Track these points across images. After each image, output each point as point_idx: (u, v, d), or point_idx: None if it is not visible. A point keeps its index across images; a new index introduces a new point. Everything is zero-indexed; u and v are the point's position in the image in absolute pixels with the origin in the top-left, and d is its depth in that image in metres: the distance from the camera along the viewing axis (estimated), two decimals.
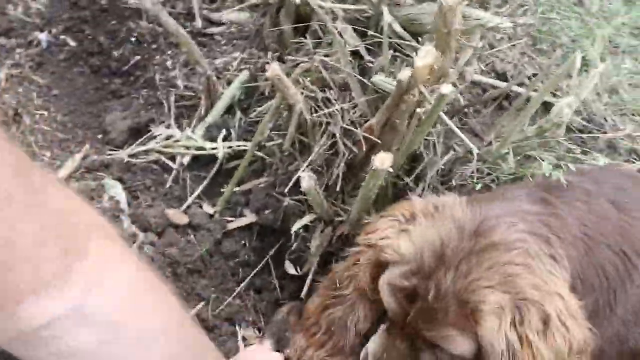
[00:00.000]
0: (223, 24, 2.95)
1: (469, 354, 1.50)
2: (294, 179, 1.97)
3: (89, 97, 2.82)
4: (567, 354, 1.48)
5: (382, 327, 1.70)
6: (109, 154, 2.51)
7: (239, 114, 2.50)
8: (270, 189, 2.28)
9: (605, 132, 2.35)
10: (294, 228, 2.06)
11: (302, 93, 2.01)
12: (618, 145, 2.35)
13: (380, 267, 1.64)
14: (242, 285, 2.29)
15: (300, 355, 1.88)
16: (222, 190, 2.41)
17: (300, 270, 2.20)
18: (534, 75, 2.44)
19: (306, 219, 2.07)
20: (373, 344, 1.70)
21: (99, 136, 2.66)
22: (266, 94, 2.39)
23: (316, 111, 2.01)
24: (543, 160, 1.83)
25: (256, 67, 2.57)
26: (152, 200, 2.39)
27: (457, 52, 1.90)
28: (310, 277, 2.16)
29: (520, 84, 2.41)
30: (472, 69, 2.01)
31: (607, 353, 1.75)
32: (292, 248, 2.20)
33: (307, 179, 1.85)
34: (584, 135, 2.31)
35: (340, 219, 2.11)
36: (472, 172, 1.92)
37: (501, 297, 1.45)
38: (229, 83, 2.58)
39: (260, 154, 2.33)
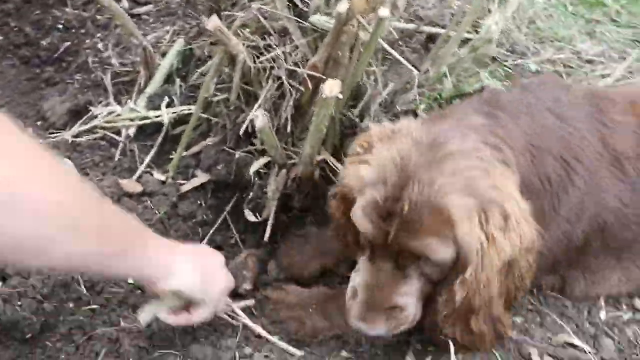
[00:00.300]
0: (149, 2, 2.99)
1: (450, 258, 1.60)
2: (247, 122, 2.03)
3: (23, 87, 2.82)
4: (518, 251, 1.61)
5: (361, 259, 1.76)
6: (54, 137, 2.51)
7: (178, 81, 2.55)
8: (220, 145, 2.33)
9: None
10: (251, 170, 2.13)
11: (243, 44, 2.08)
12: (542, 70, 2.50)
13: (349, 202, 1.72)
14: (202, 243, 2.32)
15: None
16: (170, 157, 2.45)
17: (260, 216, 2.25)
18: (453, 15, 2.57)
19: (261, 161, 2.13)
20: (357, 277, 1.75)
21: (39, 123, 2.66)
22: (205, 54, 2.45)
23: (258, 58, 2.08)
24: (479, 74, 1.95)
25: (189, 37, 2.63)
26: (103, 175, 2.41)
27: None
28: (270, 221, 2.22)
29: (443, 27, 2.54)
30: (404, 1, 2.12)
31: (555, 252, 1.88)
32: (250, 197, 2.26)
33: (260, 118, 1.92)
34: (509, 63, 2.45)
35: (292, 161, 2.19)
36: (415, 96, 2.02)
37: (467, 200, 1.55)
38: (163, 55, 2.63)
39: (205, 115, 2.38)
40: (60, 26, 2.90)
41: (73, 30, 2.89)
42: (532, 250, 1.65)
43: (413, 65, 2.16)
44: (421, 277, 1.66)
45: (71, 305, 2.04)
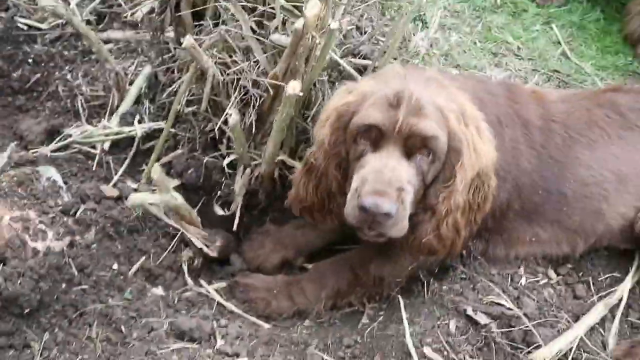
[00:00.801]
0: (110, 41, 3.29)
1: (445, 148, 1.99)
2: (222, 119, 2.37)
3: None
4: (486, 165, 2.04)
5: (366, 156, 2.03)
6: (33, 152, 2.75)
7: (147, 103, 2.87)
8: (190, 153, 2.66)
9: None
10: (224, 163, 2.47)
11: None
12: None
13: (341, 118, 2.08)
14: (175, 239, 2.59)
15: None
16: (142, 168, 2.76)
17: (228, 210, 2.58)
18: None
19: (231, 157, 2.47)
20: (364, 168, 2.01)
21: (16, 142, 2.88)
22: (170, 80, 2.79)
23: (226, 72, 2.44)
24: None
25: (154, 65, 2.96)
26: (81, 183, 2.67)
27: (333, 8, 2.42)
28: (238, 214, 2.54)
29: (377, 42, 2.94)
30: (347, 20, 2.53)
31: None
32: (218, 195, 2.59)
33: (234, 116, 2.27)
34: None
35: (255, 162, 2.53)
36: None
37: (452, 104, 2.02)
38: (131, 83, 2.95)
39: (173, 130, 2.71)
40: (31, 60, 3.17)
41: (42, 64, 3.16)
42: (490, 171, 2.07)
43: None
44: (419, 175, 2.00)
45: (64, 285, 2.28)
